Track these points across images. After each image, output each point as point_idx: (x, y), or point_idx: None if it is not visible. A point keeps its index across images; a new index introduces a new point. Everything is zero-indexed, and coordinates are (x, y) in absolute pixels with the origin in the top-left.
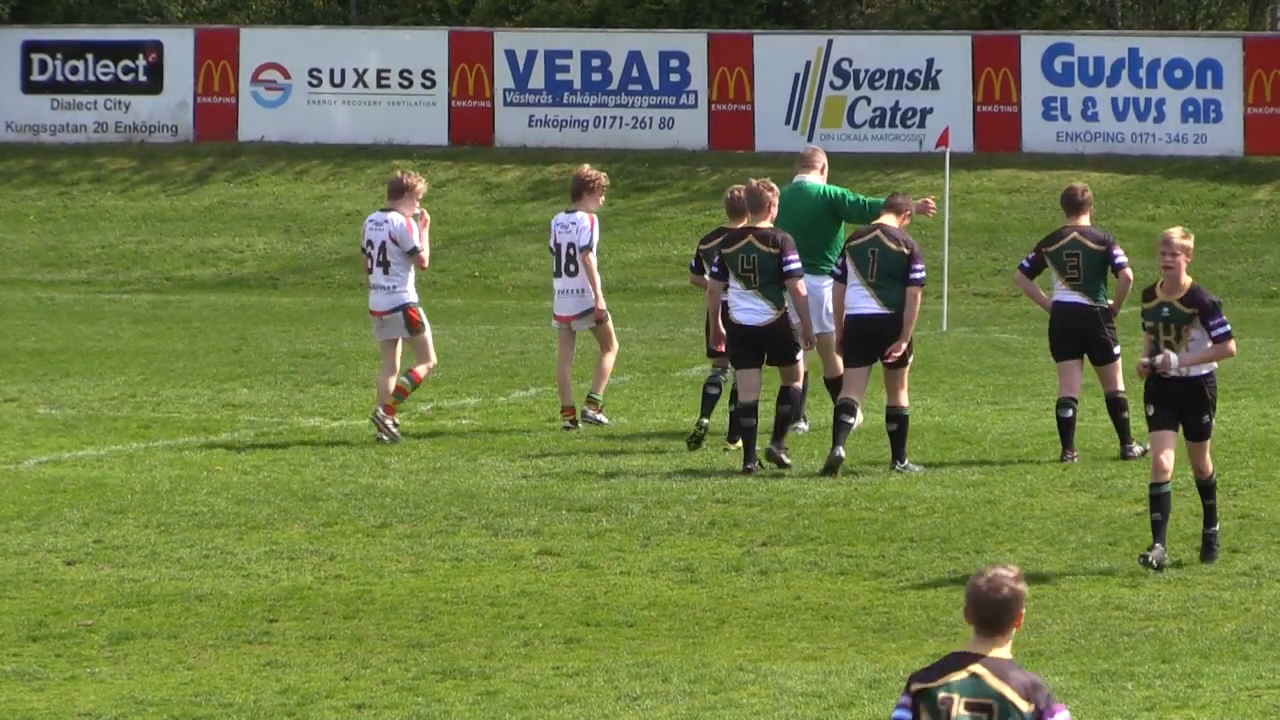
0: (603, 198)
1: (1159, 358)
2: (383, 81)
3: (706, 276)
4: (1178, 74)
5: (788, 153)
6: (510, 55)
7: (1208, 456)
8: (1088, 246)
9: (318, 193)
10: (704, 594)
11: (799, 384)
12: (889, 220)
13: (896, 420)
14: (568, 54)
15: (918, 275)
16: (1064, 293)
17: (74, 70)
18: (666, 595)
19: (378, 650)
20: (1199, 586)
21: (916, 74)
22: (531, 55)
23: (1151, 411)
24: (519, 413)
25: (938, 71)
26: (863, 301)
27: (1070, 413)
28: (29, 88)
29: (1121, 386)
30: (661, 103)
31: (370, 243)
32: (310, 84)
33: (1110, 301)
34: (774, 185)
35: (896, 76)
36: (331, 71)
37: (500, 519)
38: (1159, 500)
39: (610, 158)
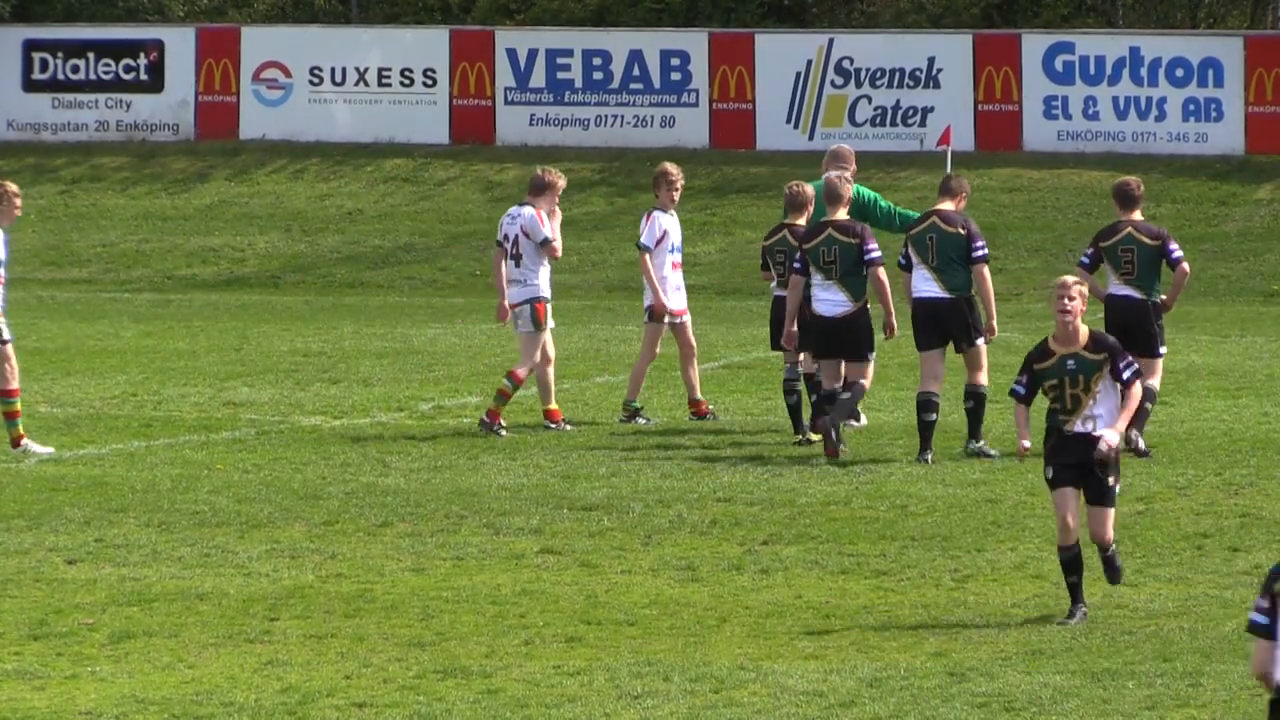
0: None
1: (1103, 446)
2: (384, 80)
3: (771, 271)
4: (1179, 73)
5: (788, 152)
6: (511, 54)
7: (1110, 523)
8: (1143, 241)
9: (319, 191)
10: (705, 593)
11: (865, 382)
12: (945, 205)
13: (974, 398)
14: (569, 53)
15: (980, 253)
16: (1118, 287)
17: (75, 69)
18: (667, 594)
19: (379, 649)
20: (1200, 585)
21: (917, 73)
22: (532, 54)
23: (1051, 473)
24: (520, 411)
25: (939, 70)
26: (926, 285)
27: None
28: (30, 86)
29: (1157, 383)
30: (662, 101)
31: (506, 236)
32: (311, 83)
33: (1164, 296)
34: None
35: (897, 75)
36: (333, 70)
37: (501, 518)
38: (1071, 564)
39: (611, 156)
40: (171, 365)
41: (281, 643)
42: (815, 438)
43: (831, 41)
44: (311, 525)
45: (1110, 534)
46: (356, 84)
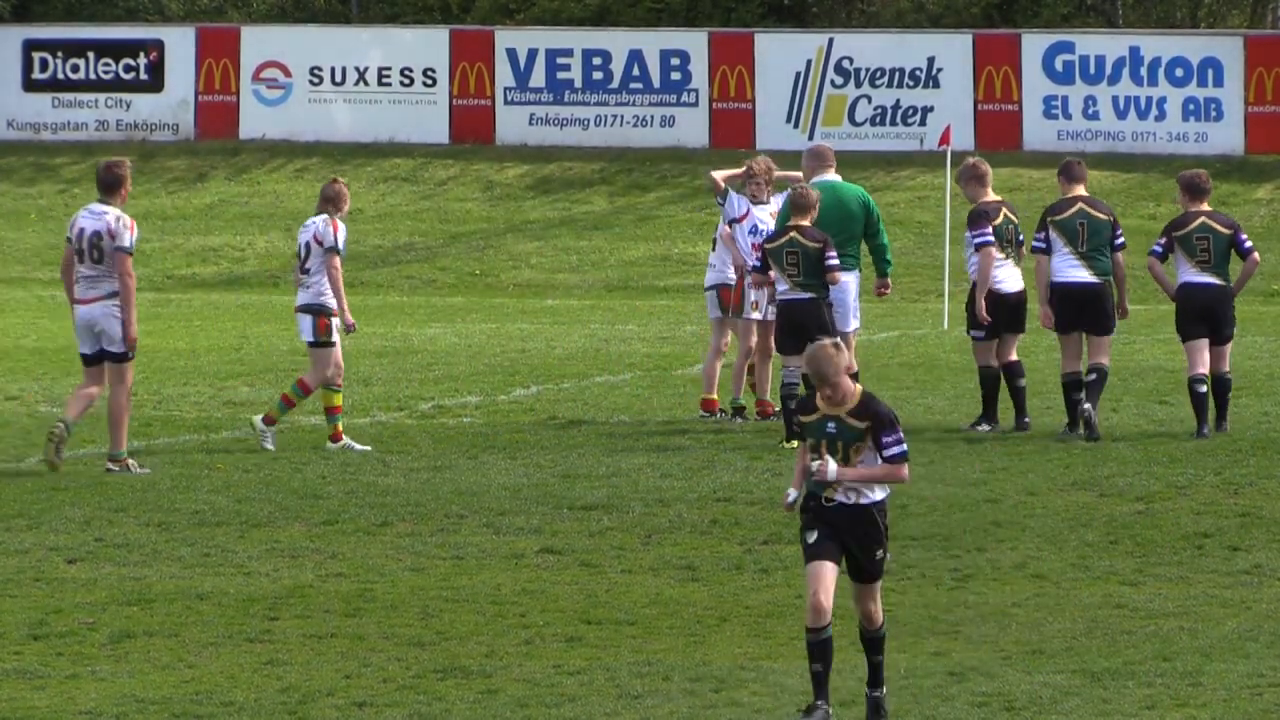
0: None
1: (815, 463)
2: (384, 80)
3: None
4: (1179, 72)
5: (789, 151)
6: (511, 54)
7: (878, 601)
8: (1217, 230)
9: (319, 191)
10: (705, 592)
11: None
12: (1083, 190)
13: (1098, 371)
14: (569, 52)
15: (1123, 240)
16: (1194, 274)
17: (75, 68)
18: (668, 594)
19: (379, 648)
20: (1200, 585)
21: (917, 72)
22: (532, 54)
23: (810, 539)
24: (520, 411)
25: (939, 70)
26: (1073, 271)
27: (1204, 389)
28: (30, 86)
29: (1229, 368)
30: (662, 101)
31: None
32: (311, 82)
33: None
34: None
35: (897, 75)
36: (332, 70)
37: (501, 517)
38: (819, 648)
39: (611, 156)
40: (171, 365)
41: (281, 642)
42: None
43: (831, 41)
44: (311, 525)
45: (880, 614)
46: (356, 84)
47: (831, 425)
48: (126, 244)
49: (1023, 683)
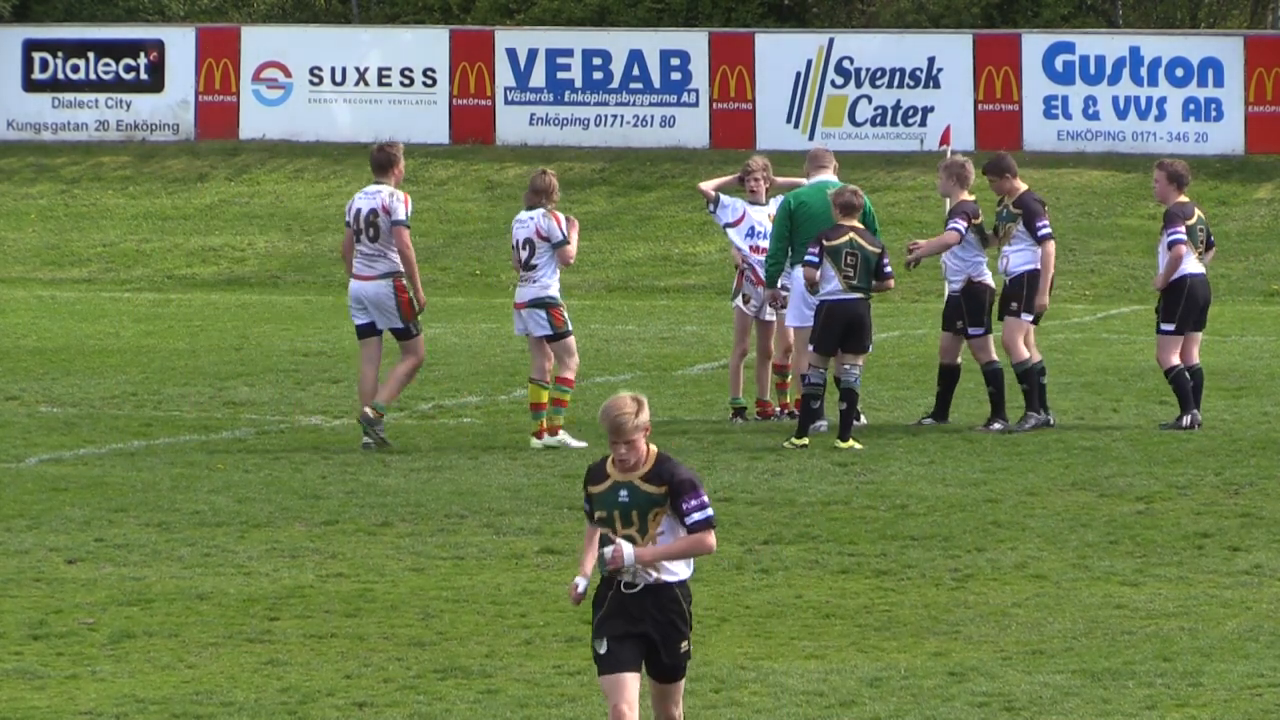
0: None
1: (609, 550)
2: (384, 80)
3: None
4: (1179, 73)
5: (789, 151)
6: (511, 54)
7: (680, 704)
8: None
9: (319, 191)
10: (705, 592)
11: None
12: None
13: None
14: (569, 53)
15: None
16: (1195, 266)
17: (75, 69)
18: None
19: (379, 649)
20: (1200, 585)
21: (918, 73)
22: (532, 54)
23: (601, 650)
24: (520, 411)
25: (939, 70)
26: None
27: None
28: (30, 86)
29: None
30: (662, 101)
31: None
32: (311, 82)
33: None
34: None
35: (898, 75)
36: (333, 70)
37: (502, 518)
38: None
39: (611, 156)
40: (172, 365)
41: (281, 642)
42: (798, 443)
43: (831, 41)
44: (311, 525)
45: (681, 714)
46: (356, 84)
47: (624, 493)
48: (401, 217)
49: (1023, 683)
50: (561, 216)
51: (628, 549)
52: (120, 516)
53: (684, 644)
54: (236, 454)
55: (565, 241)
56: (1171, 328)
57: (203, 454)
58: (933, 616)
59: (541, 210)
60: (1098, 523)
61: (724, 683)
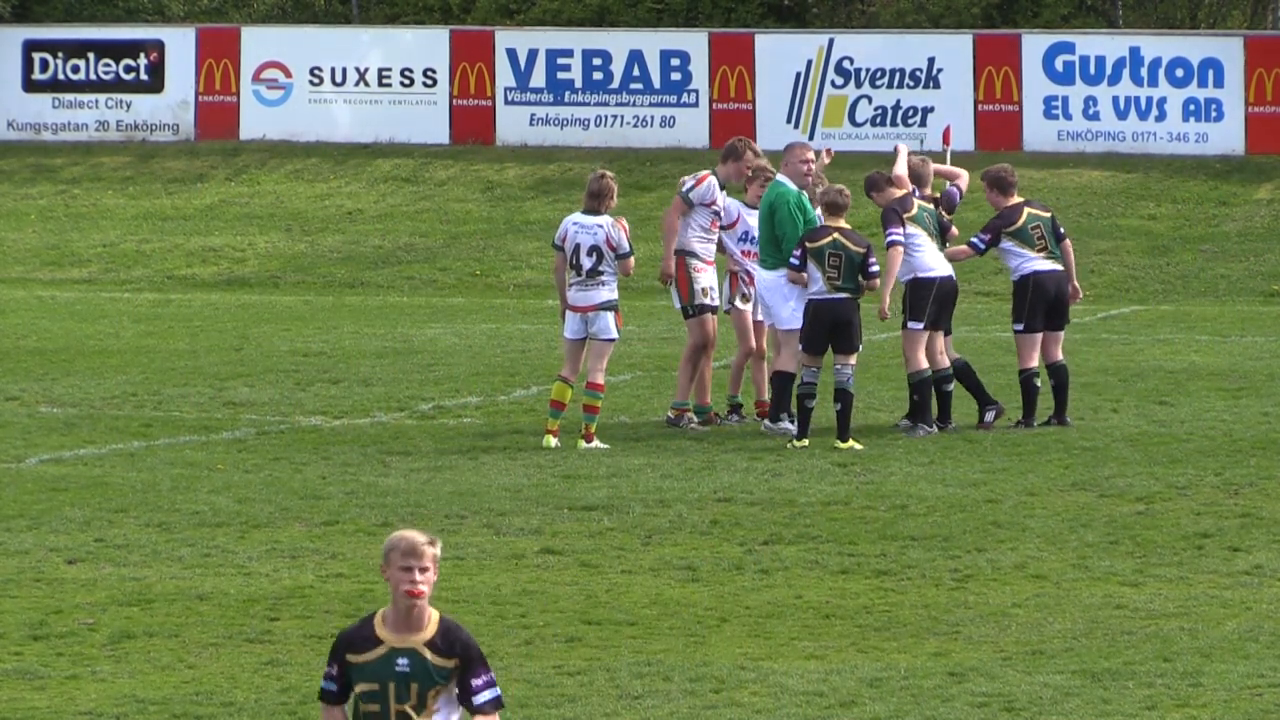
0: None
1: None
2: (384, 80)
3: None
4: (1179, 73)
5: None
6: (511, 54)
7: None
8: (1043, 216)
9: (319, 191)
10: (705, 593)
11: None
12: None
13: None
14: (569, 53)
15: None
16: (1043, 263)
17: (75, 69)
18: (668, 594)
19: None
20: (1200, 585)
21: (918, 73)
22: (533, 54)
23: None
24: (520, 411)
25: (939, 70)
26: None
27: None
28: (30, 86)
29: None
30: (663, 101)
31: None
32: (311, 83)
33: None
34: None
35: (897, 75)
36: (333, 70)
37: (501, 518)
38: None
39: (611, 156)
40: (172, 365)
41: (282, 643)
42: (801, 444)
43: (831, 41)
44: (311, 525)
45: None
46: (356, 84)
47: (404, 661)
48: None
49: (1023, 683)
50: (626, 225)
51: None
52: (120, 517)
53: None
54: (236, 454)
55: (631, 254)
56: (1021, 326)
57: (203, 454)
58: (933, 617)
59: (610, 220)
60: (1098, 523)
61: (724, 683)
